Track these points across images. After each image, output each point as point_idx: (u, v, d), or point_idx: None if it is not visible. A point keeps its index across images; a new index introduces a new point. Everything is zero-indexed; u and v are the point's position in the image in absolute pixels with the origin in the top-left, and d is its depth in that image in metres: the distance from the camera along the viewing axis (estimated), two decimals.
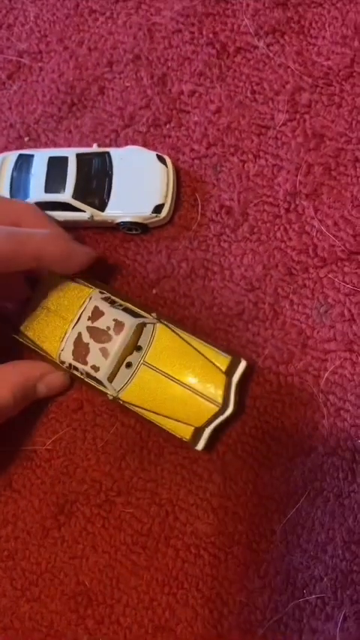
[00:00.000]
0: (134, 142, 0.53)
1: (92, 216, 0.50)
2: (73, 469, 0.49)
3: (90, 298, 0.46)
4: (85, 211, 0.49)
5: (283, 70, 0.51)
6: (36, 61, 0.58)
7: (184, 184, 0.52)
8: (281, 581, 0.44)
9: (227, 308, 0.49)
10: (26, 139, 0.56)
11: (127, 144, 0.53)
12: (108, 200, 0.50)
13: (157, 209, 0.49)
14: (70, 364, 0.45)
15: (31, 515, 0.49)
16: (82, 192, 0.49)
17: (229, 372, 0.44)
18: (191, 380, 0.44)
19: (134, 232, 0.51)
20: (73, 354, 0.45)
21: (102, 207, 0.50)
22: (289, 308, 0.47)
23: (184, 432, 0.44)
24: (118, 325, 0.44)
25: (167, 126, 0.53)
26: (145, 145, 0.53)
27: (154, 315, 0.46)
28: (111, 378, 0.44)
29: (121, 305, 0.46)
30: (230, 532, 0.45)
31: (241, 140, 0.51)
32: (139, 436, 0.48)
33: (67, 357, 0.45)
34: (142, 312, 0.46)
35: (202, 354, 0.44)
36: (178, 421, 0.44)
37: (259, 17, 0.53)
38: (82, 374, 0.45)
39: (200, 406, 0.44)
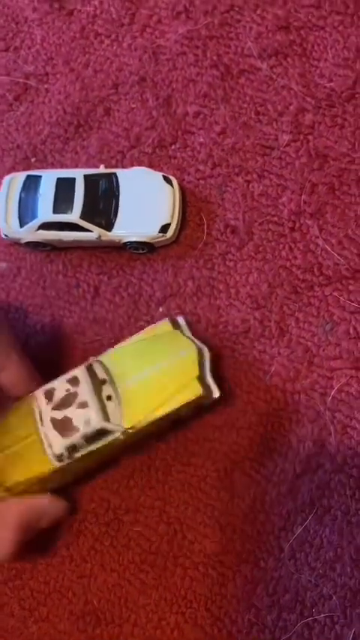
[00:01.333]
0: (140, 163, 0.54)
1: (99, 236, 0.50)
2: (80, 487, 0.49)
3: (35, 399, 0.45)
4: (92, 231, 0.50)
5: (287, 92, 0.52)
6: (42, 82, 0.59)
7: (189, 204, 0.52)
8: (290, 599, 0.44)
9: (233, 326, 0.49)
10: (33, 159, 0.57)
11: (132, 164, 0.54)
12: (115, 220, 0.50)
13: (164, 229, 0.50)
14: (66, 447, 0.43)
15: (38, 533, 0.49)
16: (89, 212, 0.50)
17: (180, 330, 0.47)
18: (160, 356, 0.45)
19: (141, 252, 0.52)
20: (62, 437, 0.43)
21: (109, 227, 0.50)
22: (294, 326, 0.48)
23: (194, 390, 0.44)
24: (72, 381, 0.45)
25: (172, 147, 0.54)
26: (150, 165, 0.54)
27: (92, 358, 0.46)
28: (106, 418, 0.44)
29: (57, 378, 0.46)
30: (238, 550, 0.45)
31: (246, 160, 0.52)
32: (146, 455, 0.48)
33: (60, 446, 0.43)
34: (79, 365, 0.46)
35: (151, 335, 0.47)
36: (182, 390, 0.44)
37: (262, 40, 0.54)
38: (82, 445, 0.43)
39: (184, 363, 0.45)
